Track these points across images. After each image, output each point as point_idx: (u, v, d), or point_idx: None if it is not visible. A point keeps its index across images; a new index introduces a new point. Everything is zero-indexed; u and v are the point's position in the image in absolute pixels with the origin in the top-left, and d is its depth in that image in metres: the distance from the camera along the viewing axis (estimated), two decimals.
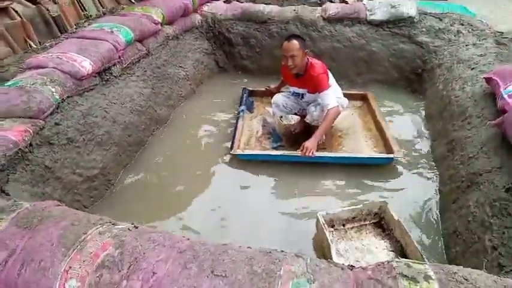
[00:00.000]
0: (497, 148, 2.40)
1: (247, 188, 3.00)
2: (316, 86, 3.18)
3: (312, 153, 3.02)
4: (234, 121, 3.70)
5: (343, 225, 2.50)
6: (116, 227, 1.67)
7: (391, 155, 3.12)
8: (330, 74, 3.33)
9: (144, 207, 2.75)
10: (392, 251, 2.38)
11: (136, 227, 1.69)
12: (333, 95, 3.19)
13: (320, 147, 3.31)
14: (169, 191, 2.93)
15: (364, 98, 4.05)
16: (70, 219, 1.68)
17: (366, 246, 2.41)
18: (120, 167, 3.05)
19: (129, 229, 1.67)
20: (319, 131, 3.09)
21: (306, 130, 3.52)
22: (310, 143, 3.04)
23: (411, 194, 2.89)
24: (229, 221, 2.66)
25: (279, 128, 3.76)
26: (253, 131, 3.71)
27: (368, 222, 2.55)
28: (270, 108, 3.72)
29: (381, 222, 2.56)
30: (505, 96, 2.48)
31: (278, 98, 3.56)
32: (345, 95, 3.60)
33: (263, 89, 4.14)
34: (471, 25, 4.18)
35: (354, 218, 2.51)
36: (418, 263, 1.46)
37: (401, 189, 2.96)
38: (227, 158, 3.31)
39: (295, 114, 3.66)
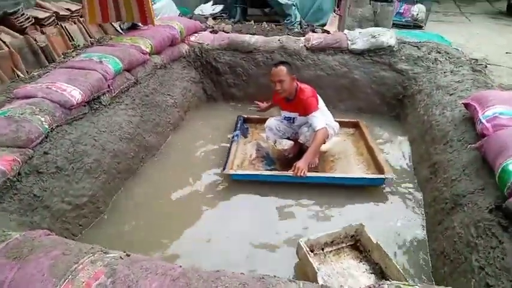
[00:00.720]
0: (479, 170, 2.49)
1: (237, 212, 3.01)
2: (305, 109, 3.30)
3: (304, 173, 3.11)
4: (224, 146, 3.76)
5: (322, 249, 2.51)
6: (107, 255, 1.67)
7: (382, 176, 3.20)
8: (320, 98, 3.45)
9: (135, 235, 2.74)
10: (373, 273, 2.39)
11: (128, 255, 1.68)
12: (322, 117, 3.30)
13: (312, 170, 3.39)
14: (160, 217, 2.92)
15: (356, 126, 4.15)
16: (61, 248, 1.67)
17: (347, 270, 2.42)
18: (110, 194, 3.03)
19: (121, 257, 1.66)
20: (309, 152, 3.20)
21: (300, 154, 3.56)
22: (302, 163, 3.14)
23: (397, 216, 2.94)
24: (217, 246, 2.66)
25: (273, 153, 3.83)
26: (246, 154, 3.80)
27: (345, 244, 2.57)
28: (264, 134, 3.80)
29: (357, 245, 2.58)
30: (483, 121, 2.59)
31: (271, 122, 3.67)
32: (337, 123, 3.75)
33: (257, 116, 4.24)
34: (448, 53, 4.37)
35: (332, 241, 2.52)
36: (408, 285, 1.50)
37: (387, 211, 3.01)
38: (218, 182, 3.35)
39: (288, 138, 3.75)
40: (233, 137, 3.84)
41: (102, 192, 2.92)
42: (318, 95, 3.44)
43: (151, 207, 3.02)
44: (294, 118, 3.53)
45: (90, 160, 2.87)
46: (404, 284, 1.51)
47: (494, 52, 6.35)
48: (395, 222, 2.88)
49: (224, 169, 3.31)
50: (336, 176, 3.28)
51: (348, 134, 4.12)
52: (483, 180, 2.38)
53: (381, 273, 2.37)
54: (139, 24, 5.51)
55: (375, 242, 2.42)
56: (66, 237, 2.47)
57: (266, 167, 3.59)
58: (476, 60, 5.41)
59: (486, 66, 5.32)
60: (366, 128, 4.00)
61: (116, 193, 3.11)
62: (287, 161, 3.60)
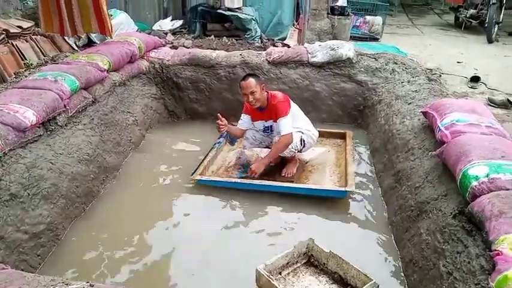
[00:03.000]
0: (441, 176, 2.56)
1: (204, 228, 2.94)
2: (276, 113, 3.34)
3: (255, 174, 3.30)
4: (187, 163, 3.68)
5: (280, 273, 2.41)
6: (69, 286, 1.56)
7: (342, 188, 3.20)
8: (295, 105, 3.50)
9: (97, 262, 2.59)
10: (334, 283, 2.38)
11: (92, 286, 1.59)
12: (289, 121, 3.33)
13: (288, 179, 3.42)
14: (123, 241, 2.79)
15: (343, 137, 4.14)
16: (18, 283, 1.55)
17: (308, 286, 2.38)
18: (69, 220, 2.87)
19: None
20: (266, 155, 3.32)
21: (282, 163, 3.63)
22: (255, 166, 3.34)
23: (364, 226, 2.97)
24: (180, 269, 2.57)
25: (254, 161, 3.75)
26: (226, 161, 3.85)
27: (300, 263, 2.51)
28: None
29: (311, 260, 2.53)
30: (442, 128, 2.67)
31: (248, 132, 3.68)
32: (326, 134, 3.98)
33: None
34: (404, 64, 4.52)
35: (287, 263, 2.44)
36: None
37: (354, 222, 3.03)
38: (182, 196, 3.33)
39: (267, 147, 3.72)
40: (214, 144, 3.86)
41: (60, 219, 2.76)
42: (291, 100, 3.48)
43: (114, 231, 2.89)
44: (271, 126, 3.55)
45: (47, 185, 2.72)
46: None
47: (446, 62, 6.65)
48: (363, 232, 2.90)
49: (193, 173, 3.37)
50: (297, 187, 3.29)
51: (335, 145, 4.12)
52: (445, 186, 2.44)
53: (341, 280, 2.36)
54: (97, 41, 5.37)
55: (327, 251, 2.40)
56: (23, 270, 2.33)
57: (240, 174, 3.59)
58: (431, 70, 5.64)
59: (440, 76, 5.55)
60: (349, 139, 4.01)
61: (76, 218, 2.96)
62: (268, 169, 3.58)
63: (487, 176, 2.06)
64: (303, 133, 3.49)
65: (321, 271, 2.47)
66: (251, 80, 3.29)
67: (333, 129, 4.36)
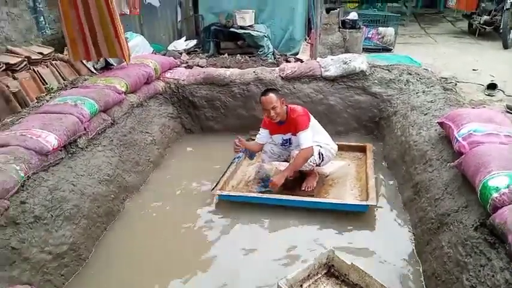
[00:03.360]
0: (460, 188, 2.53)
1: (228, 244, 2.98)
2: (295, 127, 3.38)
3: (276, 186, 3.31)
4: (207, 180, 3.74)
5: (301, 286, 2.41)
6: None
7: (364, 203, 3.16)
8: (313, 118, 3.52)
9: (121, 282, 2.63)
10: None
11: None
12: (310, 135, 3.36)
13: (308, 193, 3.43)
14: (146, 260, 2.82)
15: (363, 150, 4.11)
16: None
17: None
18: (91, 240, 2.93)
19: None
20: (287, 168, 3.34)
21: (301, 178, 3.64)
22: (276, 179, 3.33)
23: (387, 239, 2.93)
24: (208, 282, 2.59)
25: (274, 175, 3.78)
26: (245, 175, 3.89)
27: (320, 275, 2.50)
28: None
29: (331, 271, 2.53)
30: (460, 139, 2.65)
31: (266, 145, 3.71)
32: (345, 147, 4.01)
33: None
34: (418, 74, 4.51)
35: (308, 275, 2.44)
36: None
37: (375, 235, 3.01)
38: (202, 215, 3.35)
39: (285, 160, 3.74)
40: (234, 159, 3.87)
41: (83, 239, 2.83)
42: (310, 114, 3.51)
43: (138, 250, 2.93)
44: (289, 139, 3.58)
45: (69, 206, 2.79)
46: None
47: (461, 70, 6.57)
48: (385, 245, 2.86)
49: (213, 189, 3.42)
50: (318, 201, 3.28)
51: (355, 159, 4.10)
52: (465, 198, 2.41)
53: None
54: (114, 63, 5.51)
55: (349, 264, 2.39)
56: None
57: (260, 189, 3.62)
58: (446, 78, 5.60)
59: (456, 84, 5.50)
60: (370, 152, 3.98)
61: (98, 238, 3.01)
62: (288, 183, 3.59)
63: (508, 186, 2.03)
64: (321, 147, 3.50)
65: (342, 282, 2.46)
66: (271, 96, 3.31)
67: (352, 142, 4.35)
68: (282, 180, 3.33)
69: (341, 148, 4.05)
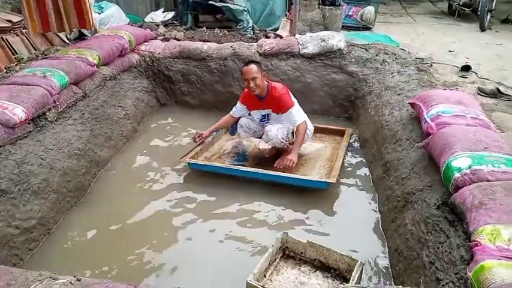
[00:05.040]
0: (426, 168, 2.60)
1: (193, 221, 2.99)
2: (280, 106, 3.41)
3: (293, 163, 3.29)
4: (180, 155, 3.68)
5: (265, 275, 2.40)
6: (56, 281, 1.59)
7: (323, 180, 3.21)
8: (293, 96, 3.53)
9: (88, 255, 2.63)
10: (317, 270, 2.44)
11: (79, 280, 1.62)
12: (299, 109, 3.44)
13: (278, 170, 3.43)
14: (114, 235, 2.83)
15: (343, 134, 4.11)
16: (5, 279, 1.58)
17: (296, 281, 2.39)
18: (60, 214, 2.91)
19: (71, 282, 1.59)
20: (296, 145, 3.37)
21: (277, 155, 3.67)
22: (293, 157, 3.31)
23: (355, 216, 3.01)
24: (167, 260, 2.61)
25: (251, 152, 3.90)
26: (222, 149, 3.95)
27: (278, 259, 2.52)
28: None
29: (285, 253, 2.55)
30: (428, 119, 2.70)
31: (243, 120, 3.73)
32: (326, 130, 4.06)
33: None
34: (394, 54, 4.53)
35: (269, 263, 2.44)
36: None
37: (345, 212, 3.07)
38: (173, 189, 3.36)
39: (260, 137, 3.73)
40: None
41: (52, 213, 2.80)
42: (290, 92, 3.53)
43: (105, 225, 2.91)
44: (267, 115, 3.60)
45: (38, 180, 2.75)
46: (358, 286, 1.55)
47: (438, 51, 6.64)
48: (354, 222, 2.94)
49: (182, 157, 3.48)
50: (280, 175, 3.31)
51: (334, 142, 4.11)
52: (430, 178, 2.48)
53: (322, 265, 2.44)
54: (88, 34, 5.34)
55: (304, 242, 2.45)
56: (15, 264, 2.37)
57: (233, 162, 3.67)
58: (422, 59, 5.64)
59: (431, 65, 5.56)
60: (347, 136, 4.00)
61: (66, 212, 2.98)
62: (262, 160, 3.69)
63: (470, 167, 2.09)
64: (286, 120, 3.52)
65: (299, 261, 2.51)
66: (253, 66, 3.34)
67: (330, 123, 4.36)
68: (296, 157, 3.33)
69: (322, 131, 4.14)
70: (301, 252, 2.50)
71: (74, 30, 5.51)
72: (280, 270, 2.47)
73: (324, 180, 3.20)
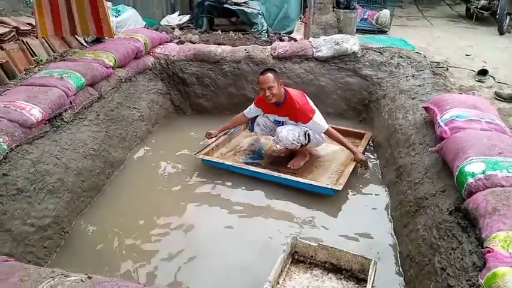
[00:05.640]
0: (440, 173, 2.57)
1: (202, 217, 3.05)
2: (299, 118, 3.43)
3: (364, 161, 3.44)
4: (193, 157, 3.73)
5: (278, 282, 2.37)
6: (68, 279, 1.63)
7: (329, 186, 3.20)
8: (309, 100, 3.54)
9: (102, 254, 2.67)
10: (329, 272, 2.43)
11: (90, 277, 1.65)
12: (321, 117, 3.46)
13: (292, 171, 3.49)
14: (128, 234, 2.86)
15: (362, 137, 4.09)
16: (19, 275, 1.62)
17: (309, 285, 2.37)
18: (75, 213, 2.95)
19: (82, 280, 1.63)
20: (349, 144, 3.49)
21: (292, 155, 3.70)
22: (362, 156, 3.47)
23: (367, 220, 2.98)
24: (181, 259, 2.65)
25: (267, 150, 3.93)
26: (238, 146, 4.01)
27: (288, 265, 2.49)
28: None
29: (294, 257, 2.54)
30: (442, 124, 2.67)
31: (259, 118, 3.76)
32: (346, 133, 3.98)
33: None
34: (409, 57, 4.49)
35: (281, 270, 2.42)
36: None
37: (356, 217, 3.05)
38: (187, 189, 3.40)
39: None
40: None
41: (66, 212, 2.85)
42: (306, 96, 3.54)
43: (119, 225, 2.95)
44: (282, 122, 3.62)
45: (53, 179, 2.80)
46: None
47: (454, 54, 6.57)
48: (365, 226, 2.92)
49: (197, 153, 3.59)
50: (287, 178, 3.32)
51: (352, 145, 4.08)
52: (443, 182, 2.45)
53: (334, 267, 2.43)
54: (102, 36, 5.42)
55: (315, 244, 2.44)
56: (30, 262, 2.42)
57: (248, 160, 3.72)
58: (438, 63, 5.60)
59: (447, 69, 5.50)
60: (365, 140, 3.97)
61: (81, 212, 3.04)
62: (276, 159, 3.73)
63: (483, 172, 2.06)
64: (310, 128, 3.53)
65: (310, 265, 2.50)
66: (269, 75, 3.30)
67: (353, 128, 4.31)
68: (360, 154, 3.46)
69: (341, 133, 4.05)
70: (312, 256, 2.49)
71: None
72: (292, 275, 2.45)
73: (330, 187, 3.19)
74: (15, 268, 1.67)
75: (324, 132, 3.50)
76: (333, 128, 3.66)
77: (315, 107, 3.50)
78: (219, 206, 3.17)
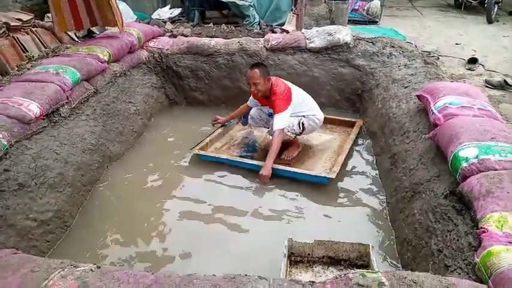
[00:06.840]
0: (434, 158, 2.64)
1: (204, 211, 3.07)
2: (273, 110, 3.50)
3: (267, 180, 3.30)
4: (189, 148, 3.78)
5: None
6: (78, 269, 1.66)
7: (323, 174, 3.27)
8: (299, 91, 3.62)
9: (105, 245, 2.71)
10: (330, 266, 2.46)
11: (99, 267, 1.68)
12: (284, 117, 3.44)
13: (285, 162, 3.55)
14: (128, 226, 2.90)
15: (353, 125, 4.16)
16: (29, 266, 1.65)
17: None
18: (76, 207, 2.99)
19: (91, 270, 1.66)
20: (268, 159, 3.34)
21: (285, 146, 3.73)
22: (264, 171, 3.29)
23: (361, 209, 3.05)
24: (188, 249, 2.69)
25: (261, 142, 3.99)
26: (232, 140, 4.07)
27: (288, 267, 2.45)
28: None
29: (291, 258, 2.51)
30: (435, 111, 2.74)
31: (253, 111, 3.87)
32: (337, 121, 4.08)
33: None
34: (401, 47, 4.54)
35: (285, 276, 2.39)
36: (371, 272, 1.58)
37: (352, 204, 3.12)
38: (184, 181, 3.45)
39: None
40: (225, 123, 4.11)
41: (68, 206, 2.88)
42: (295, 90, 3.60)
43: (120, 217, 3.00)
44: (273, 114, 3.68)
45: (53, 174, 2.82)
46: (368, 272, 1.59)
47: (445, 44, 6.65)
48: (361, 213, 2.99)
49: (192, 148, 3.66)
50: (282, 169, 3.38)
51: (344, 133, 4.15)
52: (438, 168, 2.52)
53: (332, 260, 2.47)
54: (96, 32, 5.42)
55: (311, 242, 2.45)
56: (34, 255, 2.44)
57: (241, 153, 3.78)
58: (429, 52, 5.67)
59: (438, 58, 5.58)
60: (356, 128, 4.05)
61: (82, 205, 3.07)
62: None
63: (477, 157, 2.13)
64: (304, 117, 3.59)
65: (308, 263, 2.51)
66: (256, 71, 3.39)
67: (342, 116, 4.39)
68: (268, 171, 3.30)
69: (332, 122, 4.19)
70: (308, 254, 2.50)
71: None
72: (296, 277, 2.44)
73: (323, 175, 3.25)
74: (25, 260, 1.70)
75: (271, 133, 3.56)
76: (325, 117, 3.75)
77: (289, 107, 3.47)
78: (213, 199, 3.19)
